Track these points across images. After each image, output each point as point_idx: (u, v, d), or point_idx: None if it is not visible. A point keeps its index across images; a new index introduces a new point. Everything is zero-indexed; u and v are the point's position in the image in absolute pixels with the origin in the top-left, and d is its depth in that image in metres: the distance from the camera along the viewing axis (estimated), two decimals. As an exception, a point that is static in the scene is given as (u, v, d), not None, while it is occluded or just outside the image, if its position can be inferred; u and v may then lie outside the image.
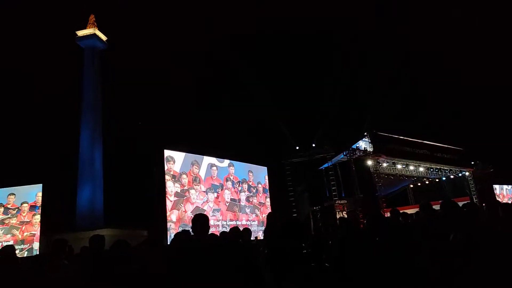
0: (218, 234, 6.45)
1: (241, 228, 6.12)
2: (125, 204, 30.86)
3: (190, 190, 19.06)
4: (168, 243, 10.83)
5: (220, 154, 21.54)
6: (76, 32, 32.63)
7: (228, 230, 6.74)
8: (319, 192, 27.47)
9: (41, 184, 20.44)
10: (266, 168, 25.06)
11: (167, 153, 18.72)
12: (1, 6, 34.87)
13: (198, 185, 19.52)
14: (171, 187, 18.22)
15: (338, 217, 22.50)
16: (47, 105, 36.15)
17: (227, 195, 21.00)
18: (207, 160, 20.60)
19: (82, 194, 28.28)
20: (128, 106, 36.47)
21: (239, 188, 22.05)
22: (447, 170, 29.64)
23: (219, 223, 19.72)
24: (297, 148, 27.28)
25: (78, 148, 29.61)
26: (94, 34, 32.52)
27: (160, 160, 18.27)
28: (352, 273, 2.74)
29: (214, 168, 20.80)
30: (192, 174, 19.47)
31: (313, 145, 27.02)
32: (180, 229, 15.01)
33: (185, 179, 18.98)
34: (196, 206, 18.89)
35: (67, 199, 28.76)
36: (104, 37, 33.50)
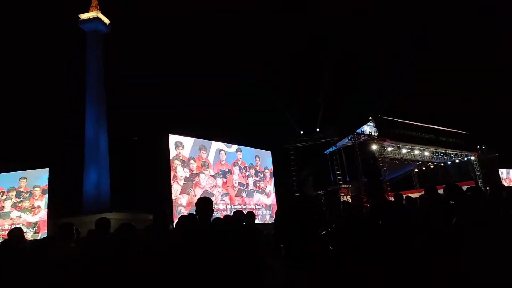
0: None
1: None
2: (131, 188, 31.21)
3: (200, 175, 19.31)
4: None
5: (226, 139, 21.61)
6: (79, 15, 32.37)
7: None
8: (324, 176, 27.51)
9: (47, 169, 20.60)
10: (271, 152, 25.06)
11: (176, 138, 18.81)
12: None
13: (207, 170, 19.73)
14: (181, 172, 18.45)
15: (342, 201, 22.60)
16: (52, 89, 36.25)
17: (235, 180, 21.21)
18: (216, 145, 20.77)
19: (88, 178, 28.55)
20: (132, 90, 36.48)
21: (247, 173, 22.21)
22: (452, 154, 29.53)
23: (228, 207, 19.91)
24: (301, 132, 27.18)
25: (83, 132, 29.75)
26: (97, 17, 32.26)
27: (166, 145, 18.34)
28: (351, 257, 2.75)
29: (223, 153, 20.98)
30: (201, 159, 19.67)
31: (317, 129, 26.91)
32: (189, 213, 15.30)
33: (193, 164, 19.19)
34: (205, 190, 19.12)
35: (73, 183, 29.07)
36: (107, 21, 33.23)
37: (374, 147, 24.72)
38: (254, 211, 7.00)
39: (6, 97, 34.32)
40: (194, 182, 18.90)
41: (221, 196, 19.90)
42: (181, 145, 18.89)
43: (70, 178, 28.79)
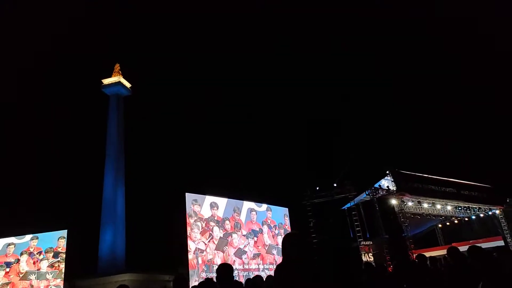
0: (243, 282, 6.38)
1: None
2: (147, 249, 30.83)
3: (232, 235, 20.23)
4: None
5: (238, 196, 21.90)
6: (102, 80, 34.28)
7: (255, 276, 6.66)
8: (343, 233, 26.71)
9: (66, 230, 20.70)
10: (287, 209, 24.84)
11: (210, 199, 19.85)
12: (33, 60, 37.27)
13: (239, 231, 20.68)
14: (217, 232, 19.42)
15: (364, 260, 21.73)
16: (73, 150, 37.48)
17: (266, 239, 21.96)
18: (247, 205, 21.80)
19: (104, 239, 28.44)
20: (152, 151, 37.46)
21: (276, 232, 22.84)
22: (476, 208, 28.50)
23: (260, 267, 20.55)
24: (317, 188, 26.92)
25: (102, 193, 30.12)
26: (119, 82, 34.07)
27: (183, 204, 18.56)
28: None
29: (254, 213, 21.94)
30: (234, 220, 20.66)
31: (334, 184, 26.62)
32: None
33: (228, 225, 20.22)
34: (238, 248, 20.04)
35: (89, 244, 28.95)
36: (128, 84, 35.04)
37: (393, 201, 24.15)
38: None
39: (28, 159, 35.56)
40: (228, 241, 19.81)
41: (253, 256, 20.62)
42: (215, 206, 19.91)
43: (87, 239, 28.74)
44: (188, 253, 17.52)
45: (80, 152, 37.48)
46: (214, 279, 4.00)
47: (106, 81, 34.24)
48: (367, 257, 22.61)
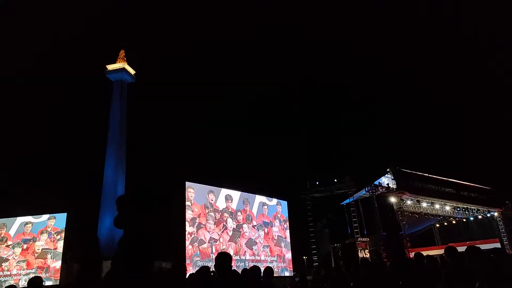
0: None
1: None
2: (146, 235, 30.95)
3: (243, 226, 20.82)
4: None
5: (237, 188, 21.98)
6: (106, 66, 34.14)
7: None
8: (340, 228, 26.81)
9: (65, 213, 20.83)
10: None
11: (225, 191, 20.47)
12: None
13: (250, 223, 21.29)
14: (230, 223, 20.06)
15: (360, 256, 21.84)
16: (74, 137, 37.55)
17: (275, 232, 22.63)
18: (259, 198, 22.47)
19: (104, 224, 28.58)
20: (153, 138, 37.51)
21: (285, 226, 23.47)
22: (474, 209, 28.55)
23: (268, 258, 21.17)
24: (317, 183, 26.97)
25: (102, 179, 30.20)
26: (124, 68, 33.92)
27: (182, 193, 18.62)
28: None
29: (265, 207, 22.60)
30: (246, 212, 21.29)
31: (335, 180, 26.66)
32: (236, 262, 18.03)
33: (240, 216, 20.84)
34: (249, 239, 20.69)
35: (88, 228, 29.09)
36: (132, 71, 34.89)
37: (392, 199, 24.19)
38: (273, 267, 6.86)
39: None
40: (241, 233, 20.46)
41: (263, 247, 21.29)
42: (230, 198, 20.58)
43: (86, 222, 28.88)
44: (186, 241, 17.63)
45: (81, 137, 37.50)
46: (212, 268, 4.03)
47: (110, 67, 34.11)
48: (364, 254, 22.73)
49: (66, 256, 19.85)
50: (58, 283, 18.65)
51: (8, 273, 19.31)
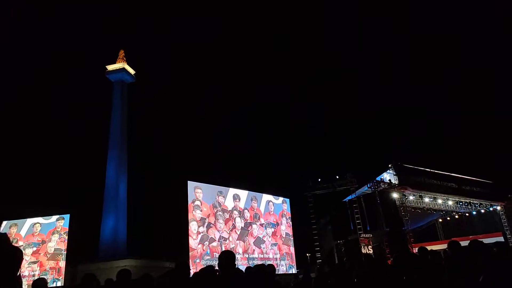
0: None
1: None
2: (148, 235, 31.08)
3: (252, 225, 21.33)
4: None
5: (242, 186, 22.04)
6: (106, 66, 34.11)
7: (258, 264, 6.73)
8: (343, 225, 26.77)
9: (68, 214, 20.90)
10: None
11: (233, 191, 20.83)
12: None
13: (258, 221, 21.76)
14: (238, 222, 20.53)
15: (363, 252, 21.83)
16: (76, 137, 37.60)
17: (283, 230, 23.10)
18: (266, 197, 22.94)
19: (106, 225, 28.62)
20: (155, 138, 37.53)
21: (291, 223, 24.08)
22: (477, 203, 28.51)
23: (276, 256, 21.67)
24: (319, 180, 26.92)
25: (104, 180, 30.23)
26: (123, 68, 33.88)
27: (185, 192, 18.75)
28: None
29: (271, 204, 23.12)
30: (253, 210, 21.74)
31: (337, 176, 26.61)
32: (246, 260, 18.63)
33: (247, 214, 21.33)
34: (257, 237, 21.19)
35: (91, 229, 29.17)
36: (132, 71, 34.86)
37: (395, 195, 24.17)
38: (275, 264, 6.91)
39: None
40: (249, 232, 20.88)
41: (271, 246, 21.78)
42: (237, 198, 21.00)
43: (89, 223, 28.96)
44: (193, 240, 17.75)
45: (83, 138, 37.54)
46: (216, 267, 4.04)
47: (110, 67, 34.08)
48: (367, 250, 22.72)
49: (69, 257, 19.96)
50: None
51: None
